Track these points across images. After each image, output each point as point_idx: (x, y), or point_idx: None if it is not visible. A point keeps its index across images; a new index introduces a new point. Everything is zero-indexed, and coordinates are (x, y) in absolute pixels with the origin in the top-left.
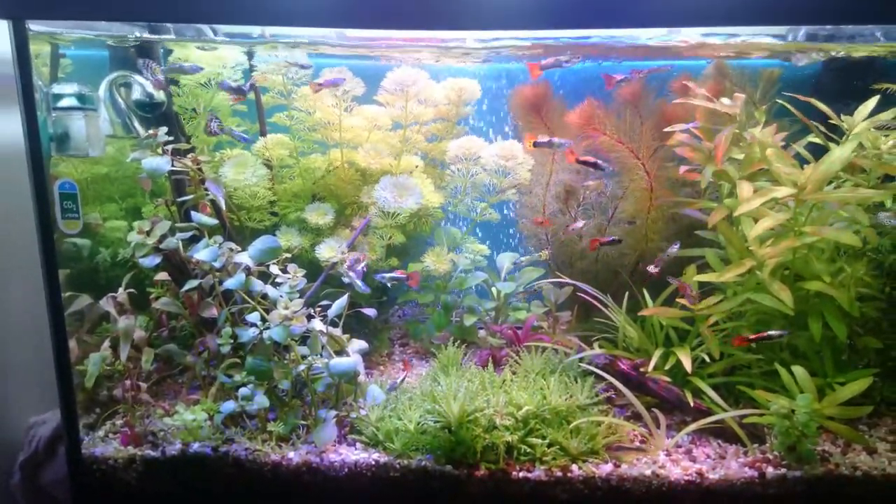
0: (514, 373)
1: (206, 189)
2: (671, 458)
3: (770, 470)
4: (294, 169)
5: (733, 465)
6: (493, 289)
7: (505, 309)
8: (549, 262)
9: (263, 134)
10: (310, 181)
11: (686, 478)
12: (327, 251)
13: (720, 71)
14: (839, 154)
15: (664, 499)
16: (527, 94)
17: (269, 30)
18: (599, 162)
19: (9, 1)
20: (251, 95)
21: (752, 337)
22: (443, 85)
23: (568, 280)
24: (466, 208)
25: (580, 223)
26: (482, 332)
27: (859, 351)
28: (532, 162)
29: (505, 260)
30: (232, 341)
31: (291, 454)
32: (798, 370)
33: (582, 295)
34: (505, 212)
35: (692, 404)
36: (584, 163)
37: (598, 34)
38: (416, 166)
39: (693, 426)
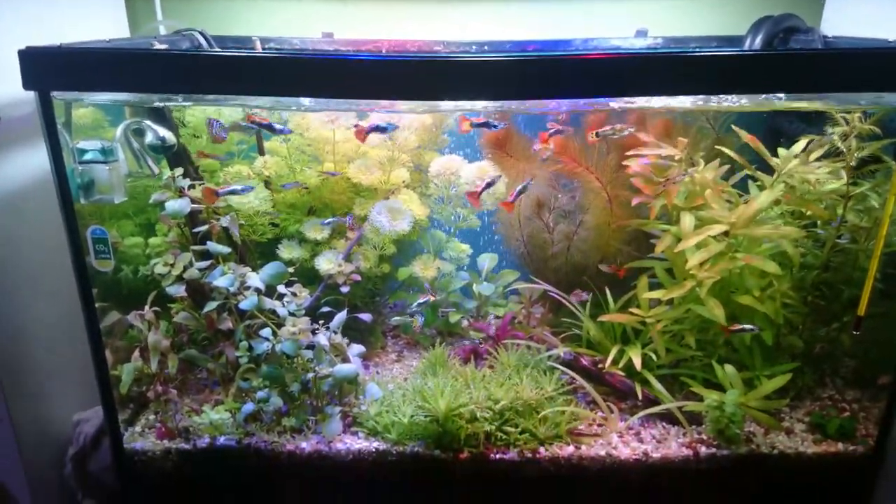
0: (491, 367)
1: (217, 219)
2: (623, 439)
3: (703, 449)
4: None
5: (673, 446)
6: (474, 288)
7: (486, 306)
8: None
9: (262, 153)
10: (305, 193)
11: (634, 457)
12: (326, 263)
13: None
14: (766, 196)
15: (616, 475)
16: (490, 137)
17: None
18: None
19: (34, 75)
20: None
21: (733, 328)
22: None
23: (539, 282)
24: (449, 216)
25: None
26: (465, 324)
27: (785, 348)
28: (506, 179)
29: (485, 261)
30: (248, 352)
31: (304, 444)
32: (728, 368)
33: (552, 294)
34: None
35: (640, 395)
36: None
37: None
38: (403, 181)
39: (641, 413)
